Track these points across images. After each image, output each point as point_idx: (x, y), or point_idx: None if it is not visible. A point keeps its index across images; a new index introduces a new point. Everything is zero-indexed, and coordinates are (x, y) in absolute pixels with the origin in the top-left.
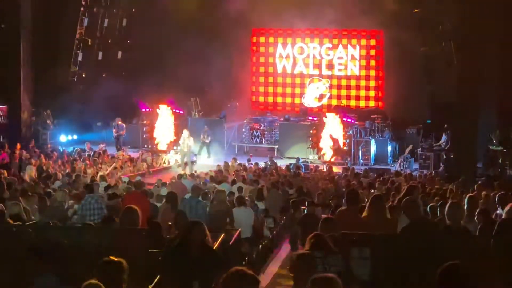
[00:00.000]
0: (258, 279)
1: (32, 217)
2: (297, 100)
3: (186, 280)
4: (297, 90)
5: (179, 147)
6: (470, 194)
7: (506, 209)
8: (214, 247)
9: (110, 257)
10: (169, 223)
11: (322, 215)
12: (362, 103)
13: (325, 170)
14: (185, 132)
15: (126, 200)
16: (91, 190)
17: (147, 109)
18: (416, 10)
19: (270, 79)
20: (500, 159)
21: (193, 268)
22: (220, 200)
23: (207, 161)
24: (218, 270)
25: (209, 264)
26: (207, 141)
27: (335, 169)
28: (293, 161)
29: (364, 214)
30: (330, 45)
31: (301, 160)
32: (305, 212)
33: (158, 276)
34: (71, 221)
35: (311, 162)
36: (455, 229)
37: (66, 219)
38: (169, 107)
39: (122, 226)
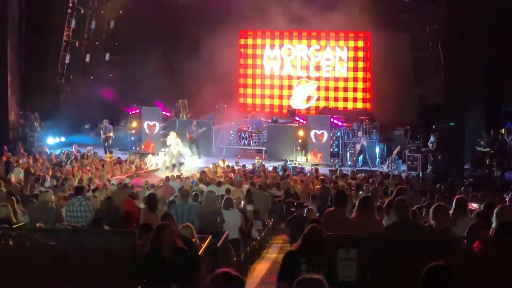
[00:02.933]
0: (244, 281)
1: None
2: (285, 102)
3: (163, 283)
4: (285, 92)
5: (167, 149)
6: (459, 196)
7: (496, 210)
8: (201, 249)
9: None
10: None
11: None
12: (349, 105)
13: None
14: (172, 134)
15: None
16: (79, 192)
17: (135, 111)
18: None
19: (258, 81)
20: (488, 160)
21: (168, 271)
22: (210, 201)
23: (195, 163)
24: (194, 270)
25: (183, 265)
26: (200, 131)
27: (323, 171)
28: (281, 163)
29: (353, 215)
30: (318, 47)
31: (289, 162)
32: (296, 213)
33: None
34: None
35: (299, 163)
36: (439, 231)
37: (59, 219)
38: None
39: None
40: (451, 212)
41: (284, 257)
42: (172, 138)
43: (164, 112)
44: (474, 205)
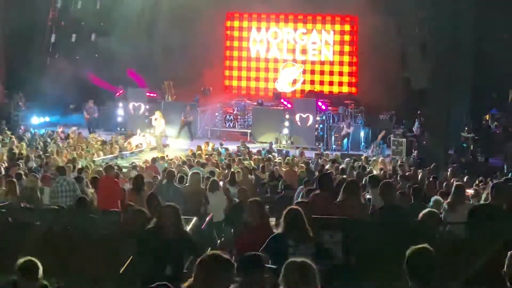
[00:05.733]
0: (233, 263)
1: None
2: (270, 85)
3: (159, 263)
4: (271, 75)
5: (152, 130)
6: (457, 183)
7: (484, 196)
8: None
9: None
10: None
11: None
12: (335, 89)
13: (297, 155)
14: (157, 114)
15: (99, 185)
16: (63, 172)
17: (120, 92)
18: None
19: (244, 64)
20: (472, 146)
21: (167, 252)
22: (194, 182)
23: (180, 145)
24: (192, 254)
25: (183, 248)
26: (190, 119)
27: (308, 154)
28: (266, 146)
29: (339, 198)
30: (304, 30)
31: (274, 145)
32: (282, 194)
33: (130, 258)
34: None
35: (283, 147)
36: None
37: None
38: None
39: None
40: (449, 199)
41: (271, 237)
42: (157, 117)
43: (149, 94)
44: (469, 191)
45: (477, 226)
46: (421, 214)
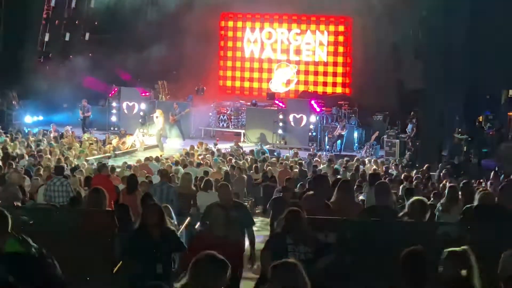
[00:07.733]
0: (228, 264)
1: None
2: (264, 85)
3: (149, 262)
4: (265, 75)
5: (145, 129)
6: (451, 184)
7: (477, 196)
8: (180, 231)
9: None
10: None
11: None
12: (329, 89)
13: (291, 155)
14: (158, 112)
15: (91, 183)
16: (60, 172)
17: (114, 91)
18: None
19: (238, 64)
20: (465, 148)
21: (154, 251)
22: (185, 182)
23: (173, 145)
24: (179, 252)
25: (170, 246)
26: (183, 113)
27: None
28: (259, 146)
29: (332, 198)
30: (299, 31)
31: (267, 145)
32: (281, 195)
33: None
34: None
35: (277, 147)
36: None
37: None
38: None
39: (88, 207)
40: (443, 200)
41: (271, 236)
42: (157, 115)
43: (143, 93)
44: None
45: (475, 227)
46: (408, 203)
